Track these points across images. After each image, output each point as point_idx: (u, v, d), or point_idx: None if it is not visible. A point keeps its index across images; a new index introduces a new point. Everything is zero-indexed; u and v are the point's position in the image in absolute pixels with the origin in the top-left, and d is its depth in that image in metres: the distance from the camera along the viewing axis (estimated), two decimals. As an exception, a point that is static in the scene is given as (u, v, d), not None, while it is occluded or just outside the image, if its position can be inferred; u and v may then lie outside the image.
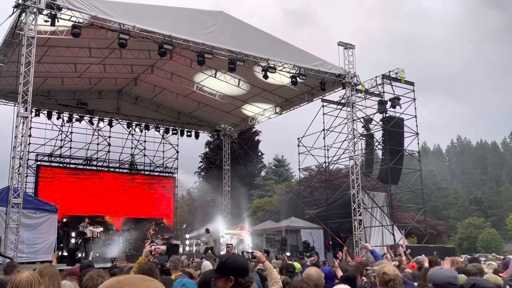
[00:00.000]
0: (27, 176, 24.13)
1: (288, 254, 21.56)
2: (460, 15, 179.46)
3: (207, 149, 45.27)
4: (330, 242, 24.48)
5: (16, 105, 15.96)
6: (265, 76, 20.25)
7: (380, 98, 24.91)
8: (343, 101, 23.93)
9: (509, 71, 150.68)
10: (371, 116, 26.45)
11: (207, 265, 8.00)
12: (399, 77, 25.01)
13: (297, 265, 9.17)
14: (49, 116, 25.68)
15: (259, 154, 45.04)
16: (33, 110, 22.87)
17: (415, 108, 25.65)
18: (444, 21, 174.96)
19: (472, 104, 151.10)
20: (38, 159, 26.71)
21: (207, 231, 22.23)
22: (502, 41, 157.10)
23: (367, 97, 25.23)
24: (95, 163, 28.64)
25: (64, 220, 22.21)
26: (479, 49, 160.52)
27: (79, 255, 18.57)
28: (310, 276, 4.52)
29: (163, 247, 5.28)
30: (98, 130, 28.06)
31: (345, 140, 24.64)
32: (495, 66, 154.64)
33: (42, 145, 26.73)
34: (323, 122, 26.86)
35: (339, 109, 25.82)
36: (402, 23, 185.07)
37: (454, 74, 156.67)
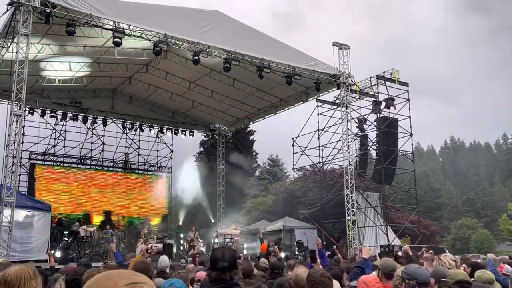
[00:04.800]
0: (20, 174, 23.95)
1: (283, 254, 21.53)
2: (447, 19, 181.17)
3: (201, 149, 45.25)
4: (324, 242, 24.50)
5: (10, 103, 15.86)
6: (260, 76, 20.26)
7: (374, 99, 24.99)
8: (337, 101, 23.99)
9: (497, 73, 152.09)
10: (366, 117, 26.52)
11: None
12: (393, 78, 25.10)
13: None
14: (43, 114, 25.55)
15: (254, 153, 45.06)
16: (26, 108, 22.72)
17: (409, 109, 25.76)
18: (432, 26, 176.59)
19: (465, 106, 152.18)
20: (32, 157, 26.58)
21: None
22: (489, 44, 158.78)
23: (361, 98, 25.30)
24: (89, 162, 28.53)
25: (58, 218, 22.15)
26: (467, 53, 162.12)
27: (74, 254, 18.49)
28: (299, 275, 4.41)
29: (160, 246, 5.30)
30: (92, 129, 27.94)
31: (339, 140, 24.69)
32: (484, 69, 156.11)
33: (36, 143, 26.59)
34: (318, 122, 26.91)
35: (333, 109, 25.89)
36: (390, 27, 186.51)
37: (444, 77, 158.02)
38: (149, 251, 5.55)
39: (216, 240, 24.16)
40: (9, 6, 15.33)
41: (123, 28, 16.82)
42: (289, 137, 29.35)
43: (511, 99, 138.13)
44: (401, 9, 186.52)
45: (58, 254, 18.02)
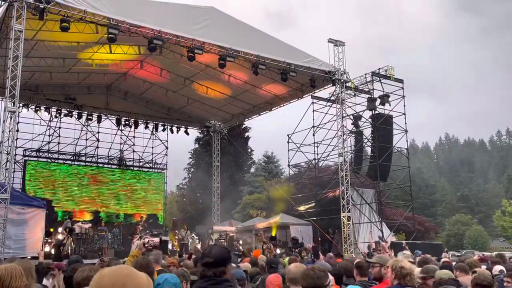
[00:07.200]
0: (14, 171, 23.84)
1: (278, 251, 21.59)
2: (439, 18, 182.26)
3: (196, 145, 45.25)
4: (319, 239, 24.57)
5: (4, 99, 15.78)
6: (256, 72, 20.23)
7: (369, 95, 25.03)
8: (332, 98, 24.00)
9: (491, 71, 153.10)
10: (361, 113, 26.58)
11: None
12: (388, 75, 25.15)
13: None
14: (37, 111, 25.41)
15: (249, 150, 45.08)
16: (20, 104, 22.59)
17: (404, 105, 25.83)
18: (424, 24, 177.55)
19: (459, 103, 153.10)
20: (26, 154, 26.45)
21: None
22: (480, 43, 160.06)
23: (356, 94, 25.35)
24: (83, 158, 28.40)
25: (53, 215, 22.08)
26: (459, 52, 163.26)
27: (69, 251, 18.43)
28: (289, 271, 4.26)
29: (156, 240, 5.27)
30: (87, 126, 27.82)
31: (334, 136, 24.72)
32: (477, 67, 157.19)
33: (30, 140, 26.48)
34: (313, 119, 26.96)
35: (328, 106, 25.92)
36: (383, 26, 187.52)
37: (439, 74, 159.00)
38: (145, 245, 5.53)
39: (212, 237, 24.17)
40: (3, 2, 15.24)
41: (117, 24, 16.74)
42: (284, 133, 29.41)
43: (505, 96, 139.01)
44: (393, 7, 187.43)
45: (52, 251, 17.98)
